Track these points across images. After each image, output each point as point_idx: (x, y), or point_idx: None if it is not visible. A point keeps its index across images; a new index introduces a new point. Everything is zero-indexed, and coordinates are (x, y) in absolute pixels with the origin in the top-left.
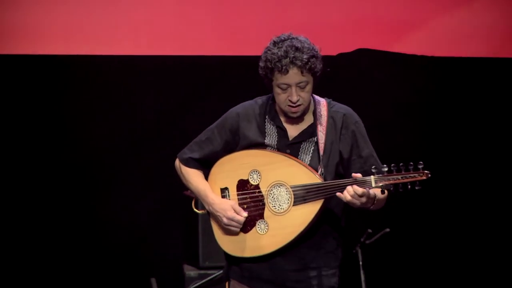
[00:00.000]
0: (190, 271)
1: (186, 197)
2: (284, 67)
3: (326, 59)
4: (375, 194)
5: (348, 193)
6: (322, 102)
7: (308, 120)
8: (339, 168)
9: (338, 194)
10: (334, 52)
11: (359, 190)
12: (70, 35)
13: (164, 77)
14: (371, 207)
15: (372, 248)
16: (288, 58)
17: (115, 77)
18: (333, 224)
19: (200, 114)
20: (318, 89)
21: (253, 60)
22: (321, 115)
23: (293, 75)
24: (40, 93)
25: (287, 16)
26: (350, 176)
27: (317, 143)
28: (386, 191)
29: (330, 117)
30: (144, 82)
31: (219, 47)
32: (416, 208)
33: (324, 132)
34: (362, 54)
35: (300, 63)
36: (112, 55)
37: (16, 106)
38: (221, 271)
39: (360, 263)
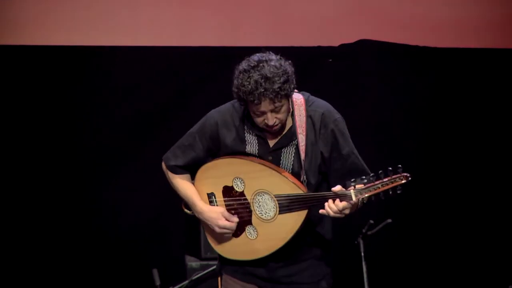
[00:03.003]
0: (192, 262)
1: None
2: (256, 100)
3: (328, 49)
4: (358, 200)
5: (331, 210)
6: (300, 100)
7: (287, 123)
8: (321, 167)
9: (321, 211)
10: (336, 43)
11: (340, 205)
12: (69, 26)
13: (166, 69)
14: (355, 211)
15: (374, 239)
16: (258, 91)
17: (117, 68)
18: (323, 222)
19: (202, 105)
20: (320, 80)
21: (257, 51)
22: (299, 116)
23: (266, 105)
24: (39, 84)
25: (289, 6)
26: (333, 174)
27: (297, 146)
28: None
29: (309, 116)
30: (146, 73)
31: (220, 38)
32: (417, 199)
33: (304, 134)
34: (364, 45)
35: (271, 95)
36: (114, 45)
37: (15, 97)
38: None
39: (362, 254)
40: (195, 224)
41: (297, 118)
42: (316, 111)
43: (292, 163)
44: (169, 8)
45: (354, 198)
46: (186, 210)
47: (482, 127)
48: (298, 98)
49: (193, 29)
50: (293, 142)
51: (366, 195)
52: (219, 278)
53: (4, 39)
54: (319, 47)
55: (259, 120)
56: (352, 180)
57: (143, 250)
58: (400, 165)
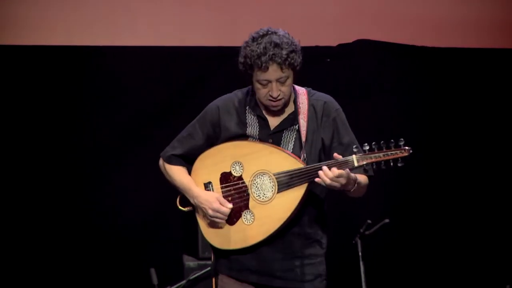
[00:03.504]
0: (190, 262)
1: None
2: (263, 64)
3: (326, 49)
4: (355, 177)
5: (327, 176)
6: (303, 91)
7: (289, 109)
8: (321, 155)
9: (317, 179)
10: (334, 43)
11: (336, 171)
12: (66, 26)
13: (164, 68)
14: (352, 189)
15: (371, 239)
16: (268, 55)
17: (115, 68)
18: (318, 212)
19: (201, 104)
20: (317, 79)
21: None
22: (301, 103)
23: (273, 72)
24: (37, 84)
25: (287, 6)
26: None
27: (298, 131)
28: (367, 177)
29: (311, 105)
30: (144, 72)
31: (218, 38)
32: (415, 199)
33: (305, 120)
34: (362, 45)
35: (279, 60)
36: (113, 45)
37: (15, 97)
38: None
39: (360, 253)
40: (192, 224)
41: (299, 105)
42: (318, 100)
43: (292, 147)
44: (169, 8)
45: (356, 164)
46: (180, 207)
47: (481, 127)
48: (300, 88)
49: (191, 29)
50: (294, 126)
51: (368, 161)
52: (213, 279)
53: (3, 39)
54: (317, 47)
55: (263, 92)
56: (355, 146)
57: (140, 250)
58: (402, 139)
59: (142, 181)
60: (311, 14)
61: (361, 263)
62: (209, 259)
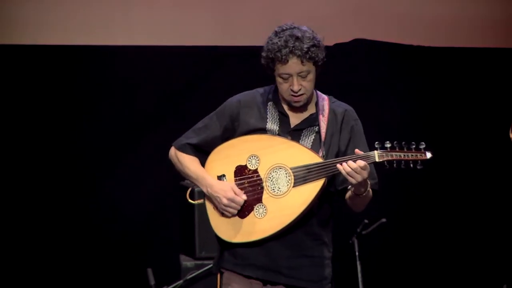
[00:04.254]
0: (187, 262)
1: (182, 187)
2: (283, 57)
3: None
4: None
5: (350, 166)
6: (324, 97)
7: (311, 110)
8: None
9: (338, 166)
10: (330, 42)
11: (362, 163)
12: (63, 25)
13: (162, 67)
14: (364, 193)
15: (368, 239)
16: (288, 48)
17: (113, 67)
18: (328, 215)
19: (199, 104)
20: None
21: (251, 50)
22: (323, 107)
23: (293, 65)
24: (35, 83)
25: (284, 5)
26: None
27: (318, 132)
28: (371, 191)
29: (332, 110)
30: (142, 71)
31: (215, 37)
32: (412, 198)
33: (325, 123)
34: (359, 45)
35: (299, 53)
36: (111, 45)
37: (13, 96)
38: None
39: (357, 253)
40: (190, 223)
41: (320, 108)
42: (339, 107)
43: (310, 146)
44: (166, 8)
45: (377, 159)
46: (190, 200)
47: (479, 126)
48: (322, 94)
49: (189, 29)
50: (314, 127)
51: (390, 158)
52: (218, 276)
53: (1, 39)
54: None
55: (285, 87)
56: (376, 142)
57: (137, 250)
58: (423, 142)
59: (139, 181)
60: (308, 13)
61: (358, 262)
62: (206, 258)
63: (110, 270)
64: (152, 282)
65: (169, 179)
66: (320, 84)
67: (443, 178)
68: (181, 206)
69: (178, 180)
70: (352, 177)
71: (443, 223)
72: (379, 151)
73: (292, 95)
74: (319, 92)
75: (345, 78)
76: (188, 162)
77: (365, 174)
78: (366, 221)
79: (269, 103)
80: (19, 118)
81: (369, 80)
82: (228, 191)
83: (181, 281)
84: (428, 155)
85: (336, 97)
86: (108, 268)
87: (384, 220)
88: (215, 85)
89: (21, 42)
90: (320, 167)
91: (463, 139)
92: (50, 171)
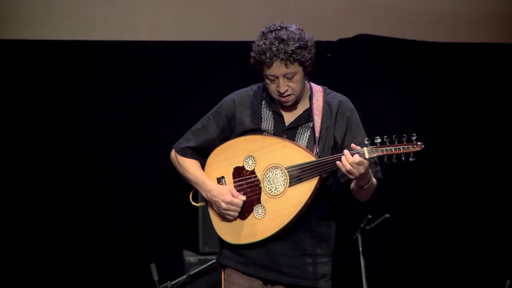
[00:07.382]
0: (190, 257)
1: (186, 183)
2: (267, 60)
3: (327, 44)
4: (371, 175)
5: (348, 161)
6: (319, 89)
7: (304, 105)
8: (334, 153)
9: (337, 163)
10: (334, 38)
11: (357, 158)
12: (64, 20)
13: (163, 63)
14: (366, 186)
15: (372, 234)
16: (272, 52)
17: (114, 63)
18: (327, 212)
19: (200, 100)
20: (319, 74)
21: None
22: (317, 100)
23: (277, 68)
24: (35, 78)
25: (287, 0)
26: None
27: (313, 128)
28: (375, 180)
29: (326, 102)
30: (143, 67)
31: (217, 33)
32: (415, 194)
33: (320, 117)
34: (362, 40)
35: (283, 56)
36: (112, 40)
37: (14, 91)
38: None
39: (360, 248)
40: (193, 219)
41: (314, 102)
42: (334, 99)
43: (306, 143)
44: (170, 3)
45: (367, 156)
46: (193, 203)
47: (482, 122)
48: (316, 86)
49: (190, 24)
50: (309, 123)
51: (379, 154)
52: (222, 271)
53: (3, 34)
54: (317, 41)
55: (272, 87)
56: (366, 139)
57: (141, 245)
58: (414, 134)
59: (141, 176)
60: (312, 8)
61: (361, 258)
62: (210, 254)
63: (114, 265)
64: (156, 277)
65: (173, 175)
66: (323, 79)
67: (446, 173)
68: (185, 202)
69: (181, 176)
70: (350, 173)
71: (446, 219)
72: (368, 148)
73: (280, 95)
74: (313, 84)
75: (348, 73)
76: (188, 166)
77: (361, 169)
78: (369, 216)
79: (263, 102)
80: (20, 114)
81: (372, 75)
82: (226, 194)
83: (184, 276)
84: (419, 146)
85: (340, 92)
86: (112, 264)
87: (387, 215)
88: (219, 80)
89: (22, 37)
90: (313, 166)
91: (467, 135)
92: (53, 167)
